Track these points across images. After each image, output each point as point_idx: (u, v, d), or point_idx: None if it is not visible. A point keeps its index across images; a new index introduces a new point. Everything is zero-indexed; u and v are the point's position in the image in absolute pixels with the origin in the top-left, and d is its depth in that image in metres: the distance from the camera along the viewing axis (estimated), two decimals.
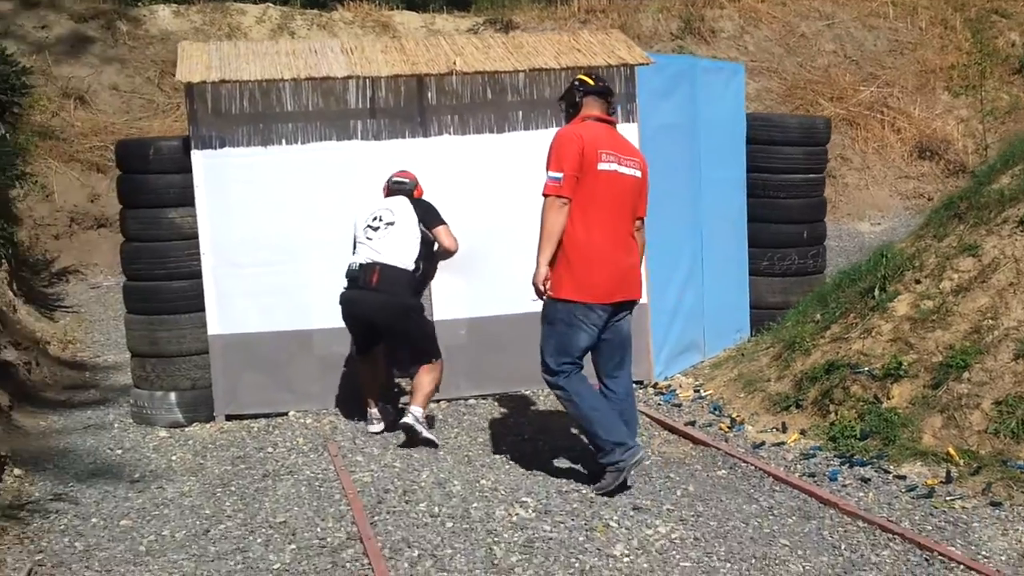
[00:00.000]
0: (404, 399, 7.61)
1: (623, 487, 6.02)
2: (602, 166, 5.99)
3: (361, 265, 7.09)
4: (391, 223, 7.15)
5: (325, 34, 17.74)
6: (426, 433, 6.99)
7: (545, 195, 5.96)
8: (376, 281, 7.02)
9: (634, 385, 8.03)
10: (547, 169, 5.99)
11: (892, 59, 19.13)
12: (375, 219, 7.20)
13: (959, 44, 19.19)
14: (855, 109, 17.79)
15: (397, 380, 8.20)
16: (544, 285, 5.98)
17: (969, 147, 17.42)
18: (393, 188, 7.40)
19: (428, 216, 7.22)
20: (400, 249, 7.07)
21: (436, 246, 7.24)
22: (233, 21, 18.00)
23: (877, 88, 18.38)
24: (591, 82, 6.31)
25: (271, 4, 18.80)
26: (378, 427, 7.41)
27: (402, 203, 7.25)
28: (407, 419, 6.99)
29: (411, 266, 7.09)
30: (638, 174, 6.17)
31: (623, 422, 6.16)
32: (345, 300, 7.18)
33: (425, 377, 7.13)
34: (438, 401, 7.92)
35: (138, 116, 16.35)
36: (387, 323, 7.12)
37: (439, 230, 7.19)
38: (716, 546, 5.27)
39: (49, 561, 5.39)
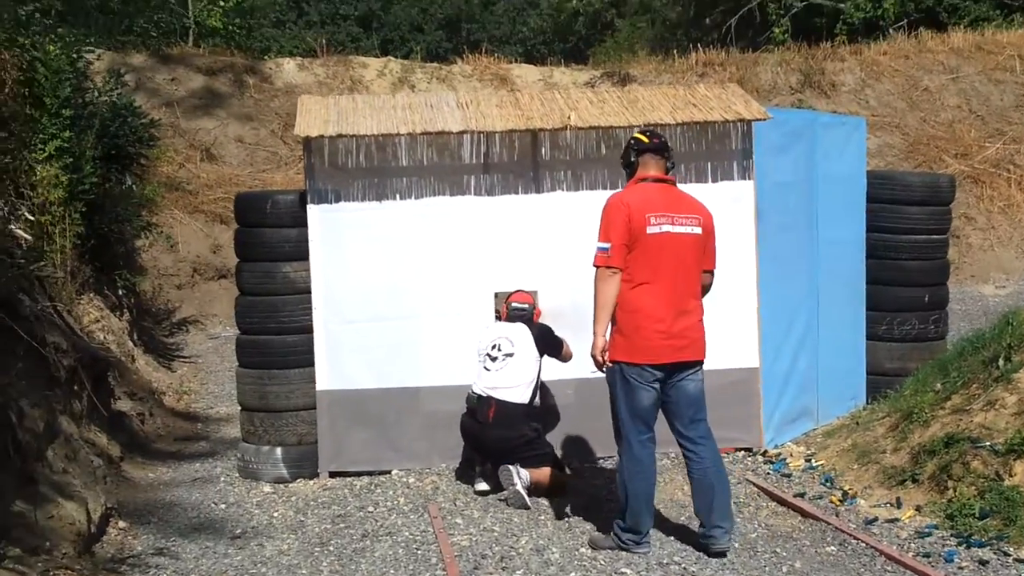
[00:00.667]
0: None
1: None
2: (651, 230, 5.99)
3: (479, 397, 7.24)
4: (510, 354, 7.25)
5: (444, 87, 17.96)
6: (526, 498, 6.96)
7: (595, 266, 6.01)
8: (492, 416, 7.17)
9: (742, 452, 7.95)
10: (597, 239, 6.03)
11: (1019, 114, 18.61)
12: (494, 347, 7.29)
13: None
14: (980, 166, 17.33)
15: None
16: (602, 356, 6.03)
17: None
18: (512, 314, 7.46)
19: (548, 346, 7.37)
20: (517, 382, 7.20)
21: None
22: (355, 74, 18.36)
23: (1003, 144, 17.88)
24: (645, 140, 6.26)
25: (392, 58, 19.14)
26: (483, 486, 7.33)
27: (521, 333, 7.32)
28: (516, 485, 7.00)
29: (527, 399, 7.23)
30: (698, 231, 6.11)
31: (709, 488, 6.09)
32: (464, 428, 7.41)
33: (547, 472, 7.21)
34: None
35: (261, 168, 16.76)
36: (505, 453, 7.18)
37: (565, 352, 7.44)
38: None
39: None
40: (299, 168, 16.73)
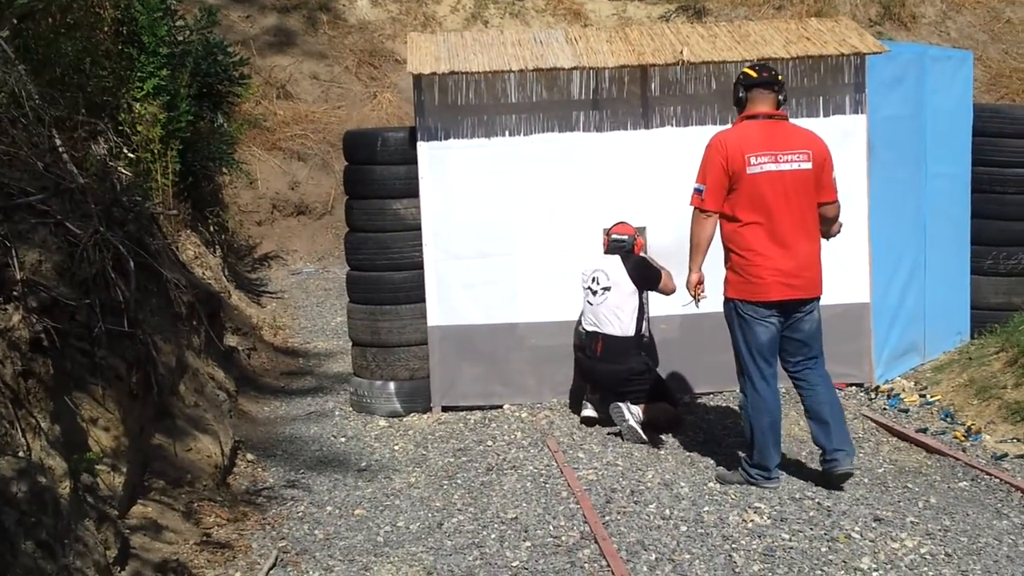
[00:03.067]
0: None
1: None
2: (752, 170, 5.94)
3: (588, 333, 7.30)
4: (607, 288, 7.22)
5: (518, 23, 17.82)
6: (641, 432, 7.00)
7: (691, 206, 6.06)
8: (600, 351, 7.22)
9: (853, 388, 7.92)
10: (695, 181, 6.06)
11: None
12: (594, 280, 7.28)
13: None
14: None
15: None
16: (696, 290, 6.17)
17: None
18: (612, 246, 7.38)
19: (644, 279, 7.25)
20: (619, 316, 7.18)
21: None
22: (428, 10, 18.24)
23: None
24: (754, 74, 6.16)
25: None
26: (590, 412, 7.39)
27: (615, 265, 7.25)
28: (628, 421, 7.02)
29: (632, 331, 7.19)
30: (807, 166, 6.02)
31: (824, 412, 6.08)
32: (577, 363, 7.56)
33: (663, 415, 7.23)
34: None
35: (336, 105, 16.75)
36: (618, 387, 7.19)
37: (663, 284, 7.26)
38: (970, 563, 5.04)
39: (293, 548, 5.52)
40: (373, 105, 16.76)
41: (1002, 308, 8.87)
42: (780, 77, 6.22)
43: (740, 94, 6.17)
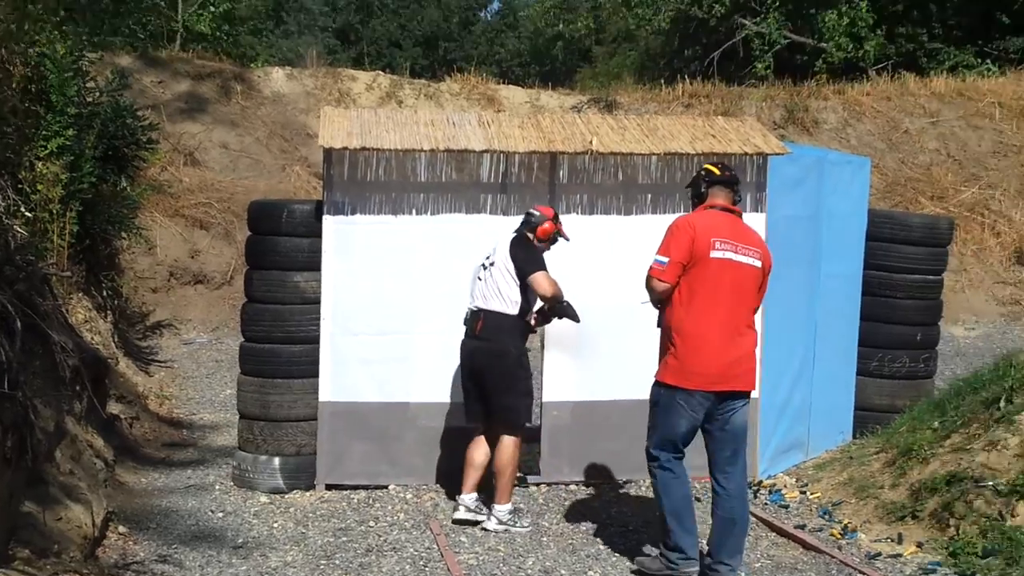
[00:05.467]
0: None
1: None
2: (715, 254, 6.03)
3: (471, 311, 7.07)
4: (492, 264, 7.03)
5: (432, 104, 17.99)
6: (516, 530, 6.91)
7: (649, 276, 6.11)
8: (480, 329, 6.98)
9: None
10: (656, 252, 6.12)
11: (995, 161, 18.92)
12: (487, 257, 7.10)
13: None
14: (955, 209, 17.55)
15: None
16: None
17: None
18: (523, 219, 7.20)
19: (525, 264, 6.90)
20: (496, 292, 6.93)
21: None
22: (344, 87, 18.34)
23: (979, 189, 18.16)
24: (717, 172, 6.33)
25: (380, 72, 19.14)
26: (463, 515, 7.12)
27: (503, 241, 7.04)
28: (490, 524, 6.93)
29: (514, 310, 6.92)
30: (757, 264, 6.15)
31: (731, 524, 6.11)
32: (460, 349, 7.15)
33: (503, 459, 6.95)
34: (538, 485, 7.83)
35: (244, 175, 16.69)
36: (482, 368, 6.96)
37: (532, 279, 6.85)
38: None
39: None
40: (281, 177, 16.73)
41: (884, 410, 9.03)
42: (738, 178, 6.45)
43: (702, 188, 6.31)
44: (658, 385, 6.14)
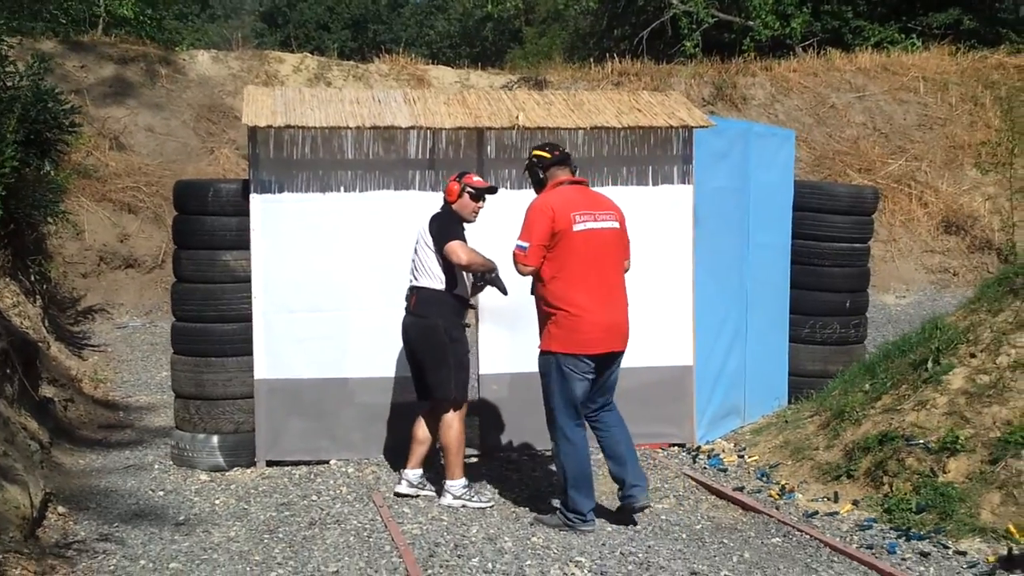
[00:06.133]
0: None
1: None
2: (577, 227, 6.34)
3: (408, 288, 7.05)
4: (418, 240, 7.00)
5: (361, 85, 17.88)
6: (474, 505, 6.91)
7: (514, 260, 6.41)
8: (413, 305, 6.98)
9: (677, 447, 8.12)
10: (519, 236, 6.36)
11: (921, 133, 19.25)
12: (417, 235, 7.05)
13: (988, 121, 19.32)
14: (883, 181, 17.86)
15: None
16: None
17: (995, 224, 17.46)
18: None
19: (438, 235, 6.84)
20: (427, 268, 6.91)
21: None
22: (271, 69, 18.18)
23: (905, 162, 18.49)
24: (548, 155, 6.60)
25: (308, 54, 18.98)
26: (405, 489, 7.11)
27: (426, 220, 6.99)
28: (445, 500, 6.94)
29: (441, 284, 6.89)
30: (616, 225, 6.52)
31: (622, 449, 6.54)
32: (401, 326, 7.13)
33: (447, 438, 6.93)
34: (479, 456, 7.87)
35: (172, 159, 16.49)
36: (414, 343, 6.97)
37: (446, 249, 6.76)
38: None
39: None
40: (209, 160, 16.57)
41: (817, 375, 9.21)
42: (568, 152, 6.72)
43: (540, 175, 6.56)
44: (545, 355, 6.41)
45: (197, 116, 17.15)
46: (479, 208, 7.06)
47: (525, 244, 6.31)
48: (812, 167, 18.05)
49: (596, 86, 18.92)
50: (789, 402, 9.20)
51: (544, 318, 6.43)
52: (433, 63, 20.75)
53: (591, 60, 21.13)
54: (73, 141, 12.16)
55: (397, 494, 7.08)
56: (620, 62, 20.22)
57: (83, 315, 14.12)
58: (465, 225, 7.02)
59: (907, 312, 15.08)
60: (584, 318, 6.30)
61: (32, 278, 11.48)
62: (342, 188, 7.77)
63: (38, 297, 11.43)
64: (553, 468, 7.65)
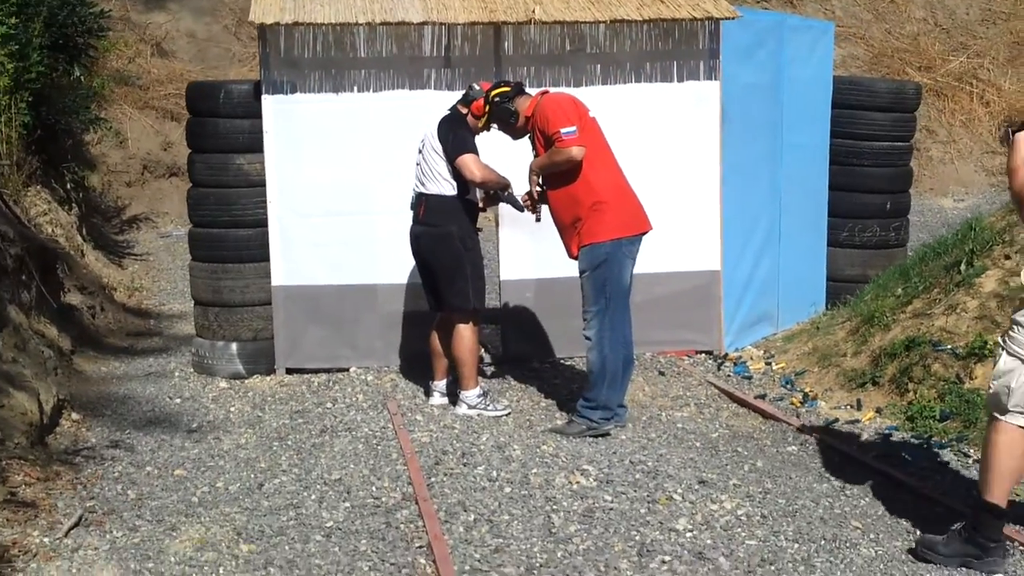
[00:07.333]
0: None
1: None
2: (592, 114, 6.34)
3: (414, 196, 6.80)
4: (424, 145, 6.73)
5: None
6: (490, 413, 6.76)
7: (565, 148, 6.13)
8: (423, 214, 6.72)
9: (703, 355, 7.96)
10: (558, 127, 6.11)
11: (984, 29, 18.52)
12: (422, 139, 6.79)
13: None
14: (943, 80, 17.28)
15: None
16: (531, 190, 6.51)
17: None
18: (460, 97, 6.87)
19: (450, 146, 6.56)
20: (437, 174, 6.63)
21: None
22: None
23: (967, 59, 17.82)
24: (508, 88, 6.51)
25: None
26: (439, 400, 7.02)
27: (434, 124, 6.71)
28: (461, 410, 6.80)
29: (453, 190, 6.63)
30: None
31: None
32: (408, 235, 6.88)
33: (460, 350, 6.73)
34: (500, 364, 7.77)
35: (213, 64, 16.35)
36: (428, 253, 6.74)
37: (459, 163, 6.52)
38: (784, 525, 5.03)
39: (100, 508, 5.31)
40: (252, 65, 16.33)
41: (857, 280, 8.96)
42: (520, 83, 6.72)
43: (512, 108, 6.42)
44: (599, 246, 6.21)
45: (239, 21, 16.89)
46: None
47: (572, 128, 6.09)
48: (870, 65, 17.47)
49: None
50: (826, 308, 8.94)
51: (588, 209, 6.19)
52: None
53: None
54: (103, 46, 12.04)
55: (434, 406, 6.95)
56: None
57: (127, 224, 14.17)
58: (481, 135, 6.76)
59: (964, 216, 14.47)
60: (631, 198, 6.31)
61: (67, 186, 11.47)
62: (355, 88, 7.58)
63: (73, 205, 11.43)
64: (574, 375, 7.58)
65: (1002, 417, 4.48)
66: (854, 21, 18.31)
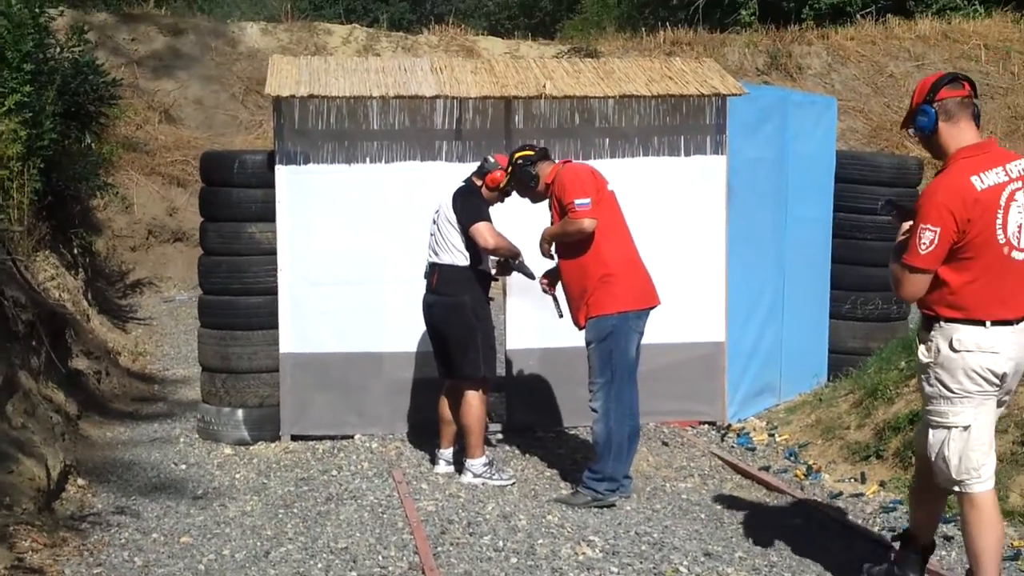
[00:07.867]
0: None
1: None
2: (609, 186, 6.44)
3: (428, 265, 6.89)
4: (439, 215, 6.81)
5: (410, 56, 17.77)
6: (494, 482, 6.79)
7: (577, 218, 6.22)
8: (436, 283, 6.80)
9: (706, 426, 7.98)
10: (572, 198, 6.21)
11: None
12: (437, 209, 6.87)
13: None
14: None
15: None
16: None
17: None
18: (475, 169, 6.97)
19: (463, 214, 6.65)
20: (450, 244, 6.71)
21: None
22: (320, 41, 18.16)
23: None
24: (532, 152, 6.61)
25: (357, 25, 18.95)
26: (444, 468, 7.06)
27: (448, 195, 6.79)
28: (466, 478, 6.83)
29: (466, 260, 6.70)
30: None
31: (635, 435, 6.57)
32: (422, 305, 6.95)
33: (468, 418, 6.78)
34: (505, 432, 7.79)
35: (220, 132, 16.55)
36: (440, 322, 6.79)
37: (473, 231, 6.59)
38: None
39: (107, 575, 5.32)
40: (259, 133, 16.59)
41: (859, 352, 8.97)
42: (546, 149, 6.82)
43: (534, 172, 6.54)
44: (605, 318, 6.28)
45: (246, 89, 17.19)
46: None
47: (586, 199, 6.18)
48: (868, 138, 17.68)
49: (649, 56, 18.63)
50: (828, 380, 8.97)
51: (597, 281, 6.27)
52: (483, 33, 20.60)
53: (643, 29, 20.82)
54: (119, 113, 12.20)
55: (439, 475, 6.97)
56: (673, 31, 19.92)
57: (131, 288, 14.25)
58: (492, 208, 6.88)
59: None
60: (640, 272, 6.40)
61: (75, 251, 11.56)
62: (368, 159, 7.70)
63: (80, 270, 11.51)
64: (579, 444, 7.59)
65: (959, 489, 4.53)
66: (853, 95, 18.56)
